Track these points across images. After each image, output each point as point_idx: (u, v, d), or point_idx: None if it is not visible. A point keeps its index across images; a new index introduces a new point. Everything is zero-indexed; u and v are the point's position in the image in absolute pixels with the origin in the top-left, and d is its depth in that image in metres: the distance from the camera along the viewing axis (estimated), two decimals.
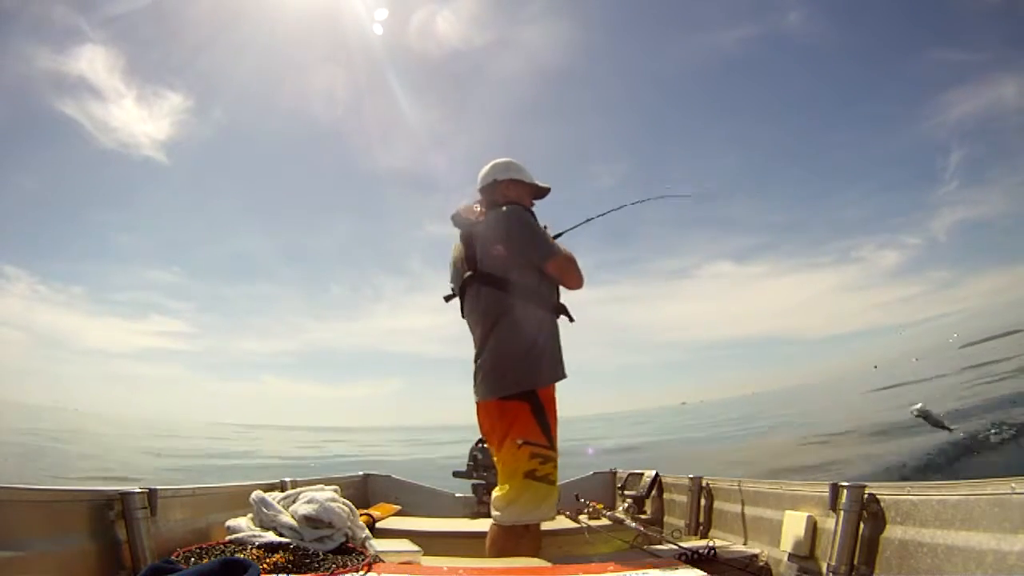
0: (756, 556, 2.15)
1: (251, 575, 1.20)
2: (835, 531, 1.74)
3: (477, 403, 2.32)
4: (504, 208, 2.29)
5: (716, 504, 2.70)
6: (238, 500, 2.07)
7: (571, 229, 2.61)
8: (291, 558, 1.62)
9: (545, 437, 2.16)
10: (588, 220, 2.73)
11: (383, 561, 1.75)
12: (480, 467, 3.35)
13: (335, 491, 1.98)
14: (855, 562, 1.69)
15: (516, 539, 2.15)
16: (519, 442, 2.14)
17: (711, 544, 2.16)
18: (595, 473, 3.71)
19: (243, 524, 1.82)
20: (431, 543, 2.36)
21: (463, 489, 3.50)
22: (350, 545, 1.79)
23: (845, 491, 1.75)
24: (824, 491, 1.85)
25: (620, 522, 2.87)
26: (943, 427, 8.99)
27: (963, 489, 1.43)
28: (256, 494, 1.90)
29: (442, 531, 2.88)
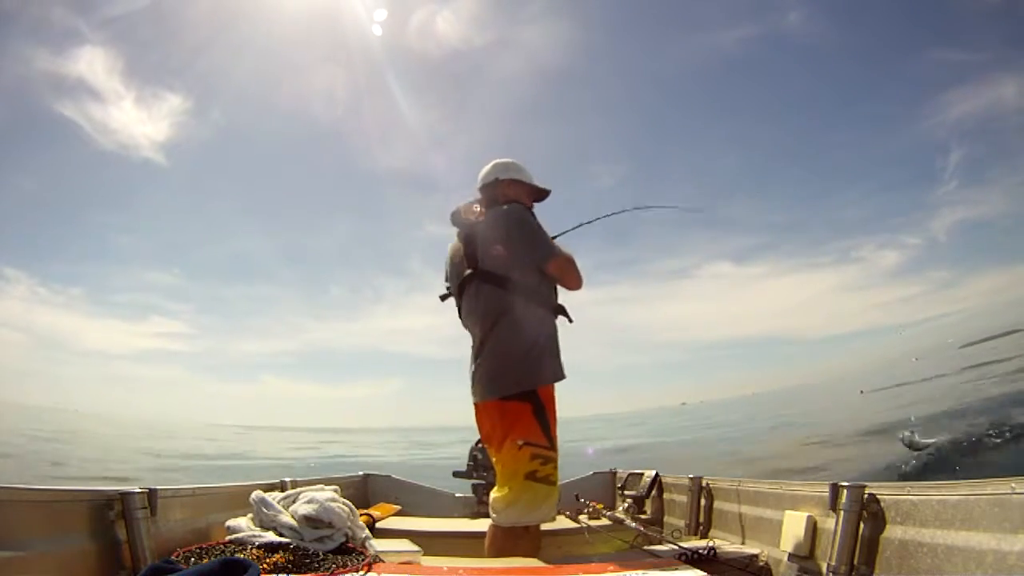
0: (756, 556, 2.14)
1: (251, 575, 1.21)
2: (835, 531, 1.73)
3: (476, 404, 2.30)
4: (505, 207, 2.29)
5: (716, 504, 2.70)
6: (238, 500, 2.07)
7: (563, 234, 2.58)
8: (291, 558, 1.62)
9: (546, 438, 2.15)
10: (579, 225, 2.72)
11: (383, 561, 1.75)
12: (480, 467, 3.35)
13: (335, 491, 1.98)
14: (855, 562, 1.68)
15: (515, 539, 2.14)
16: (520, 443, 2.12)
17: (711, 544, 2.15)
18: (595, 473, 3.70)
19: (243, 524, 1.82)
20: (431, 543, 2.36)
21: (463, 489, 3.50)
22: (350, 545, 1.79)
23: (845, 491, 1.74)
24: (824, 491, 1.84)
25: (620, 522, 2.87)
26: (920, 450, 9.16)
27: (963, 489, 1.42)
28: (256, 494, 1.90)
29: (442, 531, 2.88)
